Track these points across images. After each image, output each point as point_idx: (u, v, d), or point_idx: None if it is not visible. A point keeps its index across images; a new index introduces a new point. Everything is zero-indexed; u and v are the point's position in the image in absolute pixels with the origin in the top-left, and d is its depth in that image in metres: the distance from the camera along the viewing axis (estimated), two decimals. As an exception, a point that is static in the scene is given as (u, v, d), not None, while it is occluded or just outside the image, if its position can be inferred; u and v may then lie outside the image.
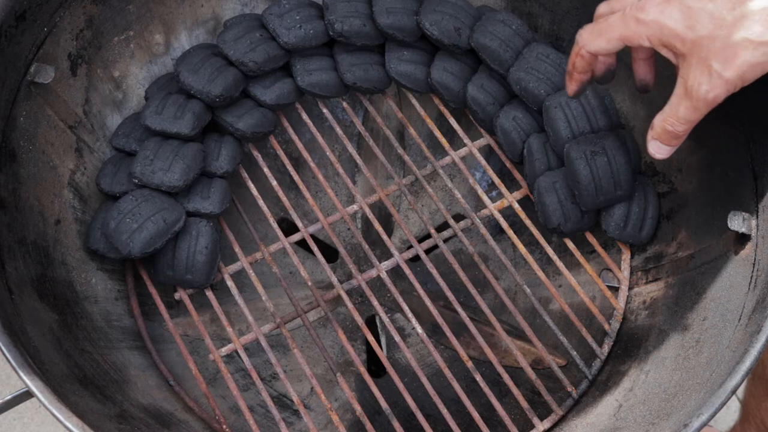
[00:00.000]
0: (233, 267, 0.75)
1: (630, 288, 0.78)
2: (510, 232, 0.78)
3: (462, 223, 0.78)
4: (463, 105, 0.82)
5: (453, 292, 0.74)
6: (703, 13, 0.50)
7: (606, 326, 0.75)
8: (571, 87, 0.64)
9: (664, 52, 0.54)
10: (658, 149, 0.58)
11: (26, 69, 0.70)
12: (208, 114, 0.77)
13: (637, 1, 0.54)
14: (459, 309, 0.73)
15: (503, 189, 0.80)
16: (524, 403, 0.70)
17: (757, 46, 0.49)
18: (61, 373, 0.60)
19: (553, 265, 0.77)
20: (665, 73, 0.77)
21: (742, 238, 0.65)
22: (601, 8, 0.60)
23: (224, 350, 0.71)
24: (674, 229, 0.76)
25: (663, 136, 0.57)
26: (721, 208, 0.69)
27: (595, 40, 0.57)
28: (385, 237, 0.76)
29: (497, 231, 0.84)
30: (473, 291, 0.74)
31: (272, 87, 0.79)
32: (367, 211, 0.78)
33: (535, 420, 0.70)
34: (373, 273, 0.75)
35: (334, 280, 0.74)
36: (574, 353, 0.73)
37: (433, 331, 0.80)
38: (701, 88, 0.52)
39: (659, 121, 0.56)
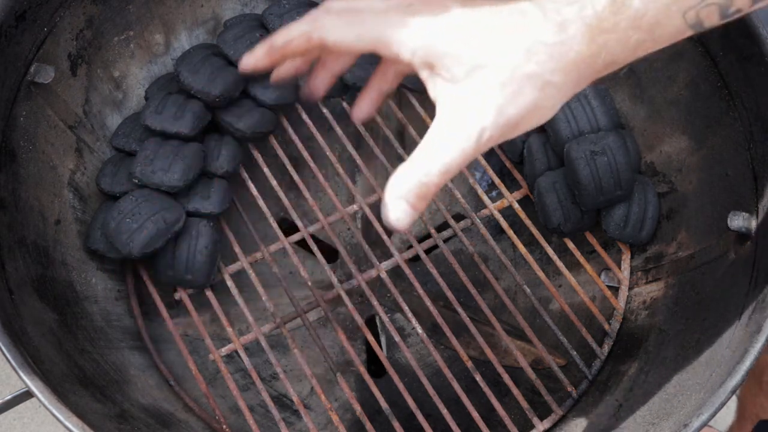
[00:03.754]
0: (233, 267, 0.75)
1: (630, 288, 0.78)
2: (510, 232, 0.78)
3: (462, 223, 0.78)
4: (463, 105, 0.82)
5: (453, 292, 0.74)
6: (490, 33, 0.40)
7: (606, 326, 0.75)
8: (261, 61, 0.45)
9: (425, 74, 0.42)
10: (405, 215, 0.41)
11: (26, 69, 0.70)
12: (208, 114, 0.77)
13: (399, 1, 0.42)
14: (459, 309, 0.73)
15: (503, 189, 0.80)
16: (524, 403, 0.70)
17: (545, 85, 0.40)
18: (61, 373, 0.60)
19: (553, 265, 0.77)
20: (666, 73, 0.77)
21: (742, 238, 0.65)
22: (344, 2, 0.44)
23: (224, 350, 0.71)
24: (674, 229, 0.76)
25: (414, 194, 0.41)
26: (721, 208, 0.69)
27: (341, 29, 0.42)
28: (385, 237, 0.76)
29: (497, 231, 0.84)
30: (473, 291, 0.74)
31: (272, 87, 0.79)
32: (367, 211, 0.78)
33: (535, 420, 0.70)
34: (373, 273, 0.75)
35: (334, 280, 0.74)
36: (574, 353, 0.73)
37: (433, 331, 0.80)
38: (475, 125, 0.40)
39: (413, 173, 0.40)
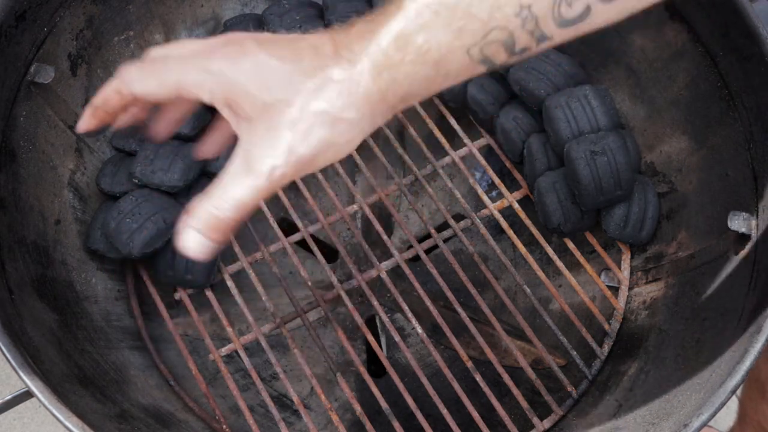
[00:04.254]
0: (233, 267, 0.75)
1: (630, 288, 0.78)
2: (510, 232, 0.78)
3: (462, 223, 0.78)
4: (463, 105, 0.82)
5: (453, 292, 0.74)
6: (281, 73, 0.41)
7: (606, 326, 0.75)
8: (90, 123, 0.48)
9: (226, 113, 0.43)
10: (195, 245, 0.43)
11: (26, 69, 0.70)
12: (208, 114, 0.77)
13: (202, 47, 0.44)
14: (459, 309, 0.73)
15: (503, 189, 0.80)
16: (524, 403, 0.70)
17: (336, 122, 0.41)
18: (61, 373, 0.60)
19: (553, 265, 0.77)
20: (666, 73, 0.77)
21: (742, 238, 0.65)
22: (155, 51, 0.46)
23: (224, 350, 0.71)
24: (674, 229, 0.76)
25: (209, 227, 0.42)
26: (721, 208, 0.69)
27: (146, 79, 0.44)
28: (385, 237, 0.76)
29: (497, 231, 0.84)
30: (473, 291, 0.74)
31: (272, 87, 0.79)
32: (367, 211, 0.78)
33: (535, 420, 0.70)
34: (373, 273, 0.75)
35: (334, 280, 0.74)
36: (574, 353, 0.73)
37: (433, 331, 0.80)
38: (267, 162, 0.41)
39: (206, 206, 0.42)
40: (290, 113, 0.41)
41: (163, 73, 0.44)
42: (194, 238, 0.43)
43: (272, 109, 0.41)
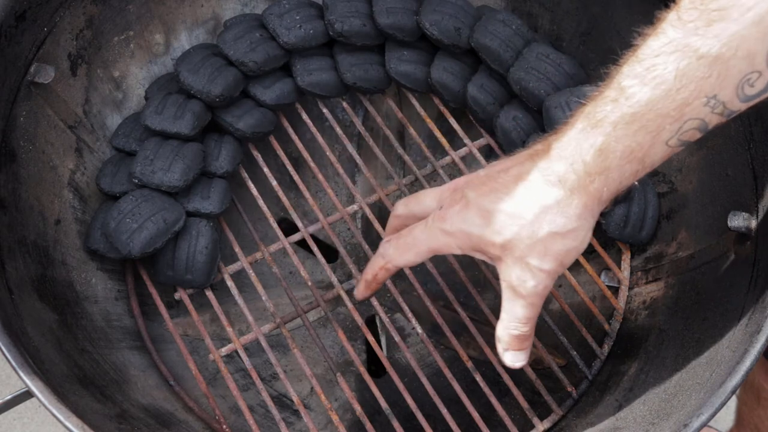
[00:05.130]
0: (233, 267, 0.75)
1: (630, 288, 0.78)
2: (510, 232, 0.78)
3: (462, 223, 0.78)
4: (463, 105, 0.82)
5: (453, 292, 0.74)
6: (503, 214, 0.48)
7: (606, 326, 0.75)
8: (366, 294, 0.61)
9: (478, 256, 0.53)
10: (515, 358, 0.55)
11: (26, 69, 0.70)
12: (208, 114, 0.77)
13: (438, 209, 0.52)
14: (459, 309, 0.73)
15: (503, 189, 0.80)
16: (524, 403, 0.70)
17: (565, 235, 0.48)
18: (61, 373, 0.60)
19: (553, 265, 0.77)
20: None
21: (742, 238, 0.65)
22: (399, 208, 0.58)
23: (224, 350, 0.71)
24: (674, 229, 0.76)
25: (514, 343, 0.54)
26: (721, 208, 0.69)
27: (404, 255, 0.55)
28: (385, 237, 0.76)
29: (497, 231, 0.83)
30: (473, 291, 0.74)
31: (272, 87, 0.79)
32: (367, 211, 0.78)
33: (535, 420, 0.70)
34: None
35: (334, 280, 0.74)
36: (574, 353, 0.73)
37: (433, 331, 0.80)
38: (528, 285, 0.50)
39: (503, 331, 0.53)
40: (525, 244, 0.48)
41: (416, 246, 0.54)
42: (513, 355, 0.54)
43: (510, 246, 0.49)
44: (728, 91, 0.42)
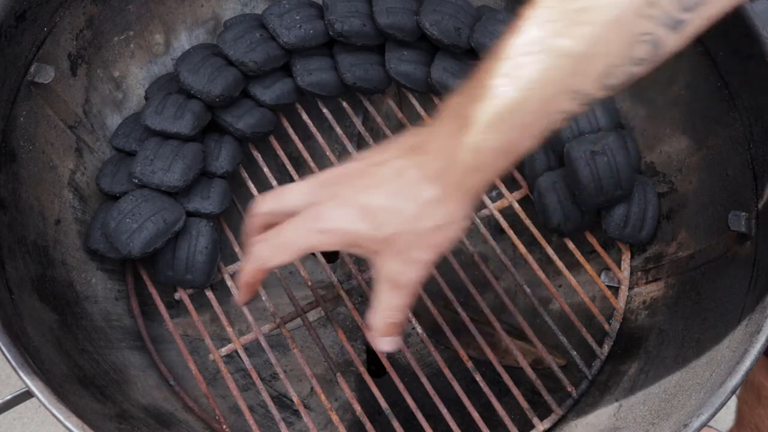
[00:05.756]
0: (233, 267, 0.75)
1: (630, 288, 0.77)
2: (510, 232, 0.78)
3: (462, 223, 0.78)
4: (463, 105, 0.82)
5: (453, 292, 0.74)
6: (383, 211, 0.48)
7: (606, 326, 0.75)
8: (246, 298, 0.58)
9: (353, 251, 0.52)
10: (389, 344, 0.54)
11: (26, 69, 0.70)
12: (208, 114, 0.77)
13: (309, 205, 0.50)
14: (459, 309, 0.73)
15: (503, 189, 0.80)
16: (524, 403, 0.70)
17: (445, 228, 0.49)
18: (61, 373, 0.60)
19: (553, 265, 0.77)
20: (666, 73, 0.77)
21: (742, 238, 0.65)
22: (260, 206, 0.54)
23: (224, 350, 0.71)
24: (674, 229, 0.76)
25: (391, 330, 0.53)
26: (721, 208, 0.69)
27: (279, 256, 0.52)
28: (385, 237, 0.76)
29: (497, 231, 0.83)
30: (473, 291, 0.74)
31: (272, 87, 0.79)
32: (367, 211, 0.78)
33: (535, 420, 0.70)
34: (373, 273, 0.75)
35: (334, 280, 0.74)
36: (574, 353, 0.73)
37: (433, 331, 0.80)
38: (405, 277, 0.50)
39: (380, 321, 0.53)
40: (407, 238, 0.48)
41: (291, 246, 0.51)
42: (385, 341, 0.53)
43: (390, 241, 0.49)
44: (592, 84, 0.44)
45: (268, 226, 0.54)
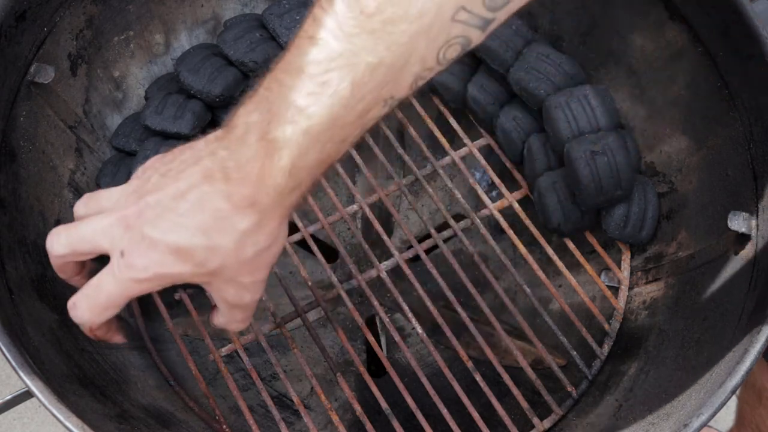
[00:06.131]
0: (233, 267, 0.75)
1: (630, 288, 0.77)
2: (510, 232, 0.78)
3: (462, 223, 0.78)
4: (463, 105, 0.82)
5: (453, 292, 0.74)
6: (200, 249, 0.45)
7: (606, 326, 0.75)
8: (113, 338, 0.55)
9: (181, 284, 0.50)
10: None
11: (26, 69, 0.70)
12: (208, 114, 0.77)
13: (117, 253, 0.46)
14: (459, 309, 0.73)
15: (503, 189, 0.80)
16: (524, 403, 0.70)
17: (269, 248, 0.47)
18: (61, 373, 0.60)
19: (553, 265, 0.77)
20: (666, 73, 0.77)
21: (742, 238, 0.65)
22: (58, 248, 0.49)
23: (224, 350, 0.71)
24: (674, 229, 0.76)
25: (236, 329, 0.53)
26: (721, 208, 0.69)
27: (100, 314, 0.48)
28: (385, 237, 0.76)
29: (497, 231, 0.83)
30: (473, 291, 0.74)
31: (272, 87, 0.79)
32: (367, 211, 0.78)
33: (535, 420, 0.70)
34: (373, 273, 0.75)
35: (334, 280, 0.74)
36: (574, 353, 0.73)
37: (433, 331, 0.80)
38: (246, 299, 0.49)
39: (224, 327, 0.52)
40: (233, 268, 0.46)
41: (109, 301, 0.48)
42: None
43: (217, 272, 0.46)
44: (403, 91, 0.43)
45: (76, 264, 0.52)
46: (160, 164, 0.47)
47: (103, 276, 0.47)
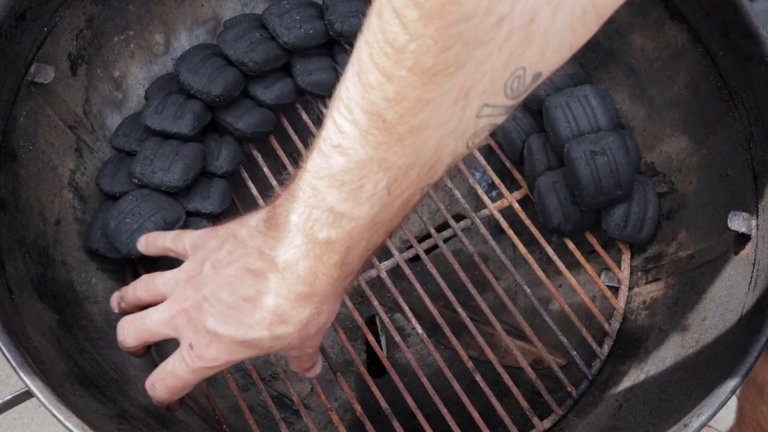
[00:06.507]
0: (233, 267, 0.75)
1: (630, 288, 0.78)
2: (510, 232, 0.78)
3: (462, 223, 0.78)
4: (463, 105, 0.82)
5: (453, 292, 0.74)
6: (268, 340, 0.50)
7: (606, 326, 0.75)
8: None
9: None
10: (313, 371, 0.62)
11: (26, 69, 0.70)
12: (208, 114, 0.77)
13: (186, 345, 0.53)
14: (459, 309, 0.73)
15: (503, 189, 0.80)
16: (524, 403, 0.70)
17: (329, 320, 0.52)
18: (61, 373, 0.60)
19: (553, 265, 0.77)
20: (666, 73, 0.77)
21: (742, 238, 0.65)
22: (127, 339, 0.57)
23: (224, 350, 0.71)
24: (674, 229, 0.76)
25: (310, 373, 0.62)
26: (721, 208, 0.69)
27: (177, 395, 0.56)
28: (385, 237, 0.76)
29: (497, 231, 0.84)
30: (473, 291, 0.74)
31: (272, 87, 0.79)
32: (367, 211, 0.78)
33: (535, 420, 0.70)
34: (373, 273, 0.75)
35: (334, 280, 0.74)
36: (574, 353, 0.73)
37: (433, 331, 0.80)
38: (307, 353, 0.57)
39: (302, 373, 0.61)
40: (300, 343, 0.51)
41: (184, 383, 0.54)
42: (310, 372, 0.62)
43: (285, 348, 0.52)
44: (439, 177, 0.44)
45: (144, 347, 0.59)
46: (207, 251, 0.53)
47: (177, 363, 0.53)
